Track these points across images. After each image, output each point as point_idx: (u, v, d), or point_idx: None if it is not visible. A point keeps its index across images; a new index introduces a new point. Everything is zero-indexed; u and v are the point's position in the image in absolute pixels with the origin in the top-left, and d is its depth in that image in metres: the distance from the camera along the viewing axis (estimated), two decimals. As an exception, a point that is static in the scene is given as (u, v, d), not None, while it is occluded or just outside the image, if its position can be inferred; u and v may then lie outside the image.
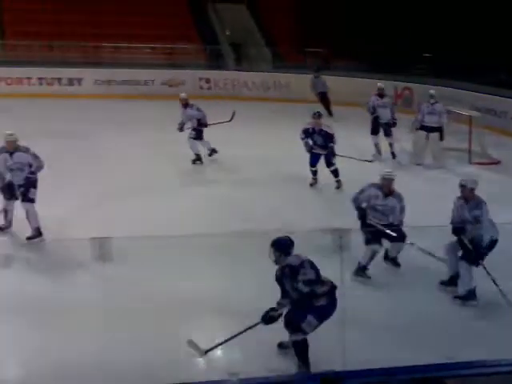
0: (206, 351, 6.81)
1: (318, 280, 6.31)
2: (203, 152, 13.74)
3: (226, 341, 6.76)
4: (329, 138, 12.07)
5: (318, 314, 6.29)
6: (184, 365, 6.52)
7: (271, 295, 6.48)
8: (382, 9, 23.25)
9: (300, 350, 6.42)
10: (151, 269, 8.25)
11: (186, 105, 13.72)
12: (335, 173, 12.14)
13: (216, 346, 6.84)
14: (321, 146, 12.09)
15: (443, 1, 21.98)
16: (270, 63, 23.97)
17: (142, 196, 11.23)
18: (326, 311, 6.32)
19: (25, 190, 9.35)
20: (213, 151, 13.83)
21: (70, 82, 21.28)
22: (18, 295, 7.63)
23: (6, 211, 9.58)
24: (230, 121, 14.13)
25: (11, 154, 9.32)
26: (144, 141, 14.82)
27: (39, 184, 9.53)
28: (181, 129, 13.59)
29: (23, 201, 9.40)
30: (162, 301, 7.53)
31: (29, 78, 20.81)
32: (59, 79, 21.14)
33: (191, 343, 6.85)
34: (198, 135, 13.55)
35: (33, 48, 22.46)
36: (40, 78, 21.07)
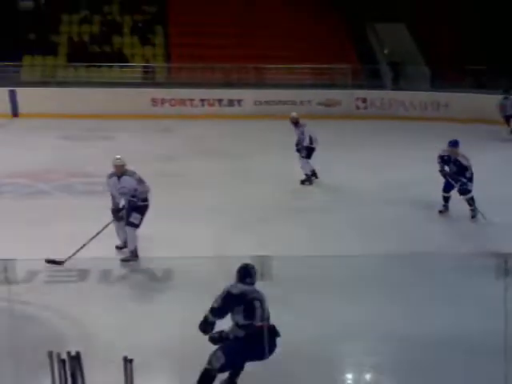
0: None
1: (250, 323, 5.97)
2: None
3: None
4: (462, 170, 11.40)
5: (232, 353, 5.92)
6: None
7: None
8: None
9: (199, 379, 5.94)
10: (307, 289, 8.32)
11: (296, 123, 13.80)
12: (470, 201, 11.44)
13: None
14: (453, 176, 11.49)
15: None
16: (428, 82, 23.56)
17: (292, 216, 11.32)
18: (247, 354, 5.97)
19: (127, 213, 9.57)
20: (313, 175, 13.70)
21: (231, 102, 21.91)
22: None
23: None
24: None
25: (119, 178, 9.60)
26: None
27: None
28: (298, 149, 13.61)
29: (126, 224, 9.62)
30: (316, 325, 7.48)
31: (191, 100, 21.61)
32: (220, 100, 21.82)
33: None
34: (308, 154, 13.55)
35: (196, 70, 23.46)
36: (202, 100, 21.89)
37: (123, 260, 9.57)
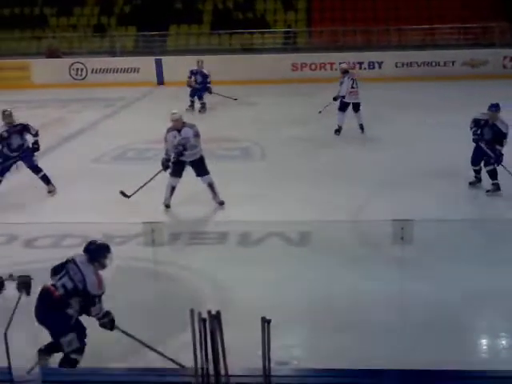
0: None
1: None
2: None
3: None
4: (499, 136, 10.29)
5: None
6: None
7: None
8: None
9: None
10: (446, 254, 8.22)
11: (344, 72, 14.39)
12: (491, 173, 10.45)
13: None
14: (487, 142, 10.42)
15: None
16: None
17: (445, 178, 11.05)
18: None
19: (197, 166, 10.01)
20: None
21: (371, 65, 21.62)
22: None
23: (173, 188, 10.13)
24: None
25: (179, 131, 9.92)
26: (449, 122, 14.36)
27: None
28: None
29: (204, 175, 10.05)
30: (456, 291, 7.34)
31: (331, 63, 21.51)
32: (360, 63, 21.59)
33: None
34: (340, 106, 14.11)
35: (336, 34, 23.33)
36: (342, 63, 21.66)
37: (220, 203, 10.11)
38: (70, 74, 22.59)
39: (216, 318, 3.74)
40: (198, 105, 17.22)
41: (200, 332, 3.73)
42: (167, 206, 10.18)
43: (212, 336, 3.74)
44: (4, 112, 10.89)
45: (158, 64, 22.13)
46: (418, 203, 9.87)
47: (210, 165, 10.23)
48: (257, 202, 10.23)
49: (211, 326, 3.72)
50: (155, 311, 7.14)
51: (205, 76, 17.14)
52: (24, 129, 10.85)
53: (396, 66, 21.53)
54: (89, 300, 5.88)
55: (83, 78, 22.51)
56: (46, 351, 5.97)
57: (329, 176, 11.48)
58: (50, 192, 10.98)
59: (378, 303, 7.11)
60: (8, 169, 10.91)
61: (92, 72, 22.53)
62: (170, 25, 25.34)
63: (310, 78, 21.12)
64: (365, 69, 21.38)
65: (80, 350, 5.87)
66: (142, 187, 10.18)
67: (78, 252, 6.10)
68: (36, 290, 5.67)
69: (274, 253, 8.64)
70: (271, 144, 13.58)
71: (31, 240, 9.01)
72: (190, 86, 17.20)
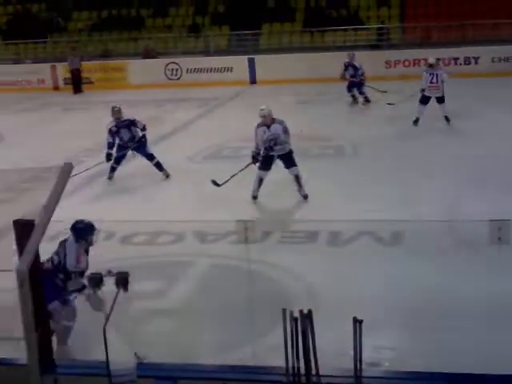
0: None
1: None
2: None
3: None
4: None
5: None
6: None
7: None
8: None
9: None
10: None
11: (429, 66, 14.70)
12: None
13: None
14: None
15: None
16: None
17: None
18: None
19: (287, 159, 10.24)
20: None
21: (467, 60, 21.16)
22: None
23: (261, 180, 10.39)
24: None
25: (268, 127, 10.11)
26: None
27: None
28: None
29: (292, 166, 10.25)
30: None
31: (425, 60, 21.14)
32: (456, 59, 21.16)
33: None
34: (421, 99, 14.50)
35: (431, 29, 22.96)
36: (437, 59, 21.25)
37: (305, 197, 10.31)
38: (166, 74, 23.09)
39: (308, 317, 3.77)
40: (360, 99, 17.44)
41: (292, 331, 3.77)
42: (254, 198, 10.42)
43: (303, 335, 3.78)
44: (113, 108, 11.89)
45: (251, 63, 22.34)
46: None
47: (303, 162, 10.28)
48: (346, 200, 10.19)
49: (303, 325, 3.76)
50: (246, 309, 7.22)
51: (356, 68, 17.32)
52: (131, 123, 11.81)
53: (492, 61, 21.00)
54: (68, 275, 6.31)
55: (178, 78, 22.98)
56: None
57: (418, 172, 11.32)
58: (166, 177, 11.87)
59: (472, 305, 6.96)
60: (123, 157, 11.92)
61: (186, 72, 22.96)
62: (263, 23, 25.53)
63: (403, 74, 20.81)
64: (460, 64, 20.98)
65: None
66: (232, 177, 10.42)
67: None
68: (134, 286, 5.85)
69: (365, 252, 8.57)
70: (363, 141, 13.49)
71: (128, 237, 9.27)
72: (343, 78, 17.38)
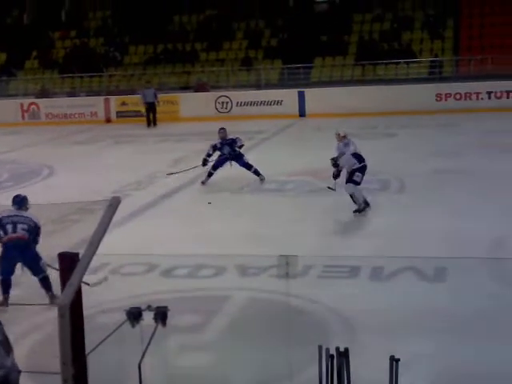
0: None
1: None
2: None
3: None
4: None
5: None
6: None
7: None
8: None
9: None
10: None
11: None
12: None
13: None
14: None
15: None
16: None
17: None
18: None
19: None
20: None
21: (519, 94, 20.92)
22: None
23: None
24: None
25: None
26: None
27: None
28: None
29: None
30: None
31: (477, 93, 20.99)
32: (508, 92, 20.90)
33: None
34: None
35: (485, 62, 22.74)
36: (489, 92, 21.15)
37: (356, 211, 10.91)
38: (216, 108, 23.35)
39: (344, 354, 3.75)
40: None
41: (327, 368, 3.75)
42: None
43: (339, 373, 3.76)
44: (220, 130, 14.03)
45: (301, 96, 22.43)
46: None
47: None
48: (389, 235, 10.14)
49: (338, 363, 3.74)
50: (284, 345, 7.18)
51: None
52: (233, 142, 13.79)
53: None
54: (38, 231, 8.09)
55: (228, 111, 23.20)
56: None
57: (467, 205, 11.27)
58: (261, 180, 13.59)
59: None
60: (221, 164, 13.71)
61: (237, 105, 23.19)
62: (315, 57, 25.66)
63: (453, 108, 20.67)
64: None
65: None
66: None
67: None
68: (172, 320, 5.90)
69: (407, 288, 8.47)
70: (410, 176, 13.38)
71: (169, 270, 9.35)
72: None
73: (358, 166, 11.07)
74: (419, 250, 9.54)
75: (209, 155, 13.84)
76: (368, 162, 12.29)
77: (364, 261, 9.24)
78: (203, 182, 13.58)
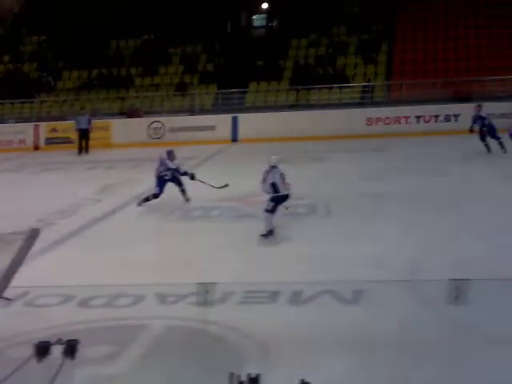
0: None
1: None
2: None
3: None
4: None
5: None
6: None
7: None
8: None
9: None
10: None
11: None
12: None
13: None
14: None
15: None
16: None
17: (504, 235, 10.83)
18: None
19: None
20: None
21: (447, 118, 21.31)
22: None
23: None
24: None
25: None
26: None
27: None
28: None
29: None
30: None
31: (406, 117, 21.39)
32: (436, 116, 21.34)
33: None
34: None
35: (416, 86, 23.17)
36: (417, 117, 21.57)
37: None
38: (148, 134, 23.23)
39: (255, 381, 3.70)
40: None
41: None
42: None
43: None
44: (168, 152, 14.27)
45: (234, 121, 22.51)
46: (474, 259, 9.67)
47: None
48: (314, 259, 10.19)
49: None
50: (198, 372, 7.13)
51: (483, 118, 17.70)
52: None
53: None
54: None
55: (160, 137, 23.10)
56: None
57: (390, 229, 11.45)
58: (186, 201, 13.83)
59: (430, 365, 6.88)
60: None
61: (169, 131, 23.12)
62: (250, 82, 25.77)
63: (383, 132, 21.06)
64: (441, 121, 21.16)
65: None
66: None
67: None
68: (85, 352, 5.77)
69: (325, 311, 8.51)
70: (337, 200, 13.50)
71: (86, 300, 9.19)
72: (471, 131, 17.75)
73: (271, 195, 11.35)
74: (340, 273, 9.62)
75: (183, 173, 13.93)
76: (297, 186, 12.44)
77: (284, 285, 9.27)
78: (140, 204, 13.52)
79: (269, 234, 11.34)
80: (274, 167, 11.50)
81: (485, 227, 11.30)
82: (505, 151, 17.07)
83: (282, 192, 11.42)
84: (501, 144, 17.20)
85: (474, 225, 11.55)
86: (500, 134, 17.27)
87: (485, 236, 10.84)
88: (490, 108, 20.15)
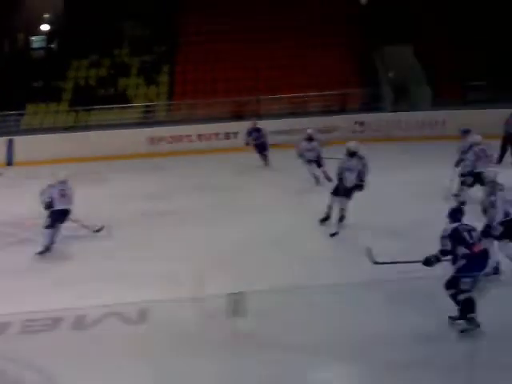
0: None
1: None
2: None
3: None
4: None
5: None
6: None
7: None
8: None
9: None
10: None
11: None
12: None
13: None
14: None
15: None
16: (428, 102, 23.38)
17: (282, 246, 11.29)
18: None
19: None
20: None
21: (227, 136, 21.87)
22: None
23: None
24: None
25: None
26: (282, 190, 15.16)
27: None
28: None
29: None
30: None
31: (188, 136, 21.69)
32: (217, 134, 21.85)
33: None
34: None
35: (196, 106, 23.54)
36: (199, 135, 21.94)
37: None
38: None
39: None
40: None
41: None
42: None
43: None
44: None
45: (10, 144, 21.54)
46: (255, 270, 10.06)
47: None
48: (92, 282, 10.03)
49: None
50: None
51: (258, 131, 18.45)
52: None
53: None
54: None
55: None
56: None
57: (172, 247, 11.52)
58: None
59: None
60: None
61: None
62: (28, 104, 24.85)
63: (165, 151, 21.17)
64: (221, 139, 21.72)
65: None
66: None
67: None
68: None
69: (112, 333, 8.42)
70: (119, 221, 13.30)
71: None
72: (247, 144, 18.31)
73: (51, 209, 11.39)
74: (125, 294, 9.50)
75: None
76: (79, 209, 12.15)
77: (66, 311, 9.01)
78: None
79: (45, 250, 11.32)
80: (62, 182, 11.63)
81: (266, 238, 11.71)
82: (266, 164, 18.10)
83: (59, 207, 11.50)
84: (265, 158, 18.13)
85: (254, 235, 11.93)
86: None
87: (267, 246, 11.25)
88: (266, 125, 20.98)
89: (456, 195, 12.98)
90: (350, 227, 11.92)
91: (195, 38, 26.53)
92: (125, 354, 7.84)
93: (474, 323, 7.67)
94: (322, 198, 12.55)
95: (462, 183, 12.95)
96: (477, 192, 11.98)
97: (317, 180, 15.29)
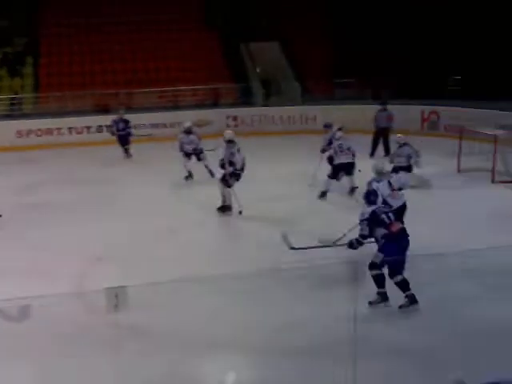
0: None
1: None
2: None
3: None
4: None
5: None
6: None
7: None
8: (410, 34, 23.38)
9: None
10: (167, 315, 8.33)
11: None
12: None
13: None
14: None
15: (469, 23, 22.09)
16: (299, 98, 23.95)
17: (166, 238, 11.34)
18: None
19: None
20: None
21: (99, 129, 21.46)
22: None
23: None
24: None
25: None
26: (168, 182, 15.16)
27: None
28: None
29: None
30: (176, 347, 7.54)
31: (59, 129, 21.14)
32: (88, 127, 21.43)
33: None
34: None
35: (66, 99, 22.95)
36: (70, 128, 21.42)
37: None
38: None
39: None
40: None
41: None
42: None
43: None
44: None
45: None
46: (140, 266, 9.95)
47: None
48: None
49: None
50: None
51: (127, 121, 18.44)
52: None
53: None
54: None
55: None
56: None
57: (49, 239, 11.27)
58: None
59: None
60: None
61: None
62: None
63: (35, 144, 20.53)
64: (93, 132, 21.29)
65: None
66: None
67: None
68: None
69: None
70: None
71: None
72: (113, 134, 18.32)
73: None
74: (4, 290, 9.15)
75: None
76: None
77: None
78: None
79: None
80: None
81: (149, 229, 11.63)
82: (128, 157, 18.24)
83: None
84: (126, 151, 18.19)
85: (134, 228, 11.83)
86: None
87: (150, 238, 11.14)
88: (135, 119, 20.53)
89: (310, 185, 13.92)
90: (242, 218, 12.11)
91: (57, 30, 25.92)
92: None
93: (412, 300, 8.08)
94: (201, 189, 12.64)
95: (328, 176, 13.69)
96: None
97: (211, 173, 15.03)
